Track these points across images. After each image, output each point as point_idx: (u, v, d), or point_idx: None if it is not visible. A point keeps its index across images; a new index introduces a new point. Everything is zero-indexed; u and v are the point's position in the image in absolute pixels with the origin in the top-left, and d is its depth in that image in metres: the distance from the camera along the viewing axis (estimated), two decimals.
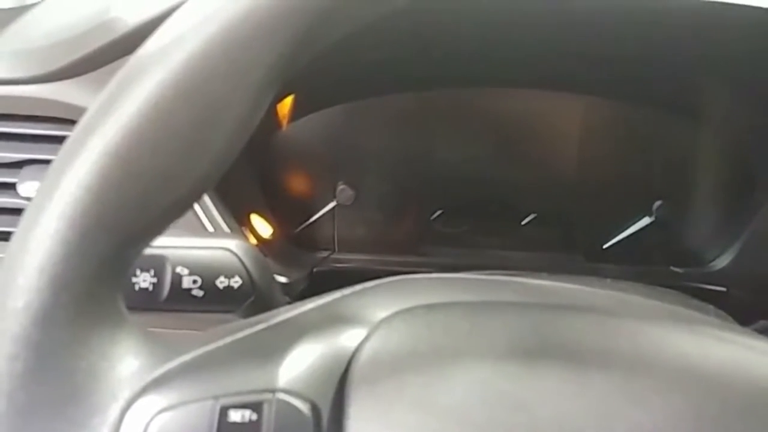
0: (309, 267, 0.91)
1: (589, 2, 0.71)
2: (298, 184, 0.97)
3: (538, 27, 0.77)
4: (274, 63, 0.30)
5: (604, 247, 0.97)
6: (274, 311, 0.37)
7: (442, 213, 0.99)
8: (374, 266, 0.94)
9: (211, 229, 0.72)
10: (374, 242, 0.99)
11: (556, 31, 0.78)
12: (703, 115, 0.92)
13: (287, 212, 0.97)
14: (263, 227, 0.91)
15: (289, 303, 0.39)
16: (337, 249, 0.99)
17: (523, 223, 0.98)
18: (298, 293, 0.83)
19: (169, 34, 0.30)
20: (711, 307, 0.57)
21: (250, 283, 0.49)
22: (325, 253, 0.98)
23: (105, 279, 0.30)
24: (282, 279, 0.80)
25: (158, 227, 0.31)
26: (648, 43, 0.78)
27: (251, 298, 0.50)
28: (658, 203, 0.94)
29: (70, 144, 0.29)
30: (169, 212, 0.31)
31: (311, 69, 0.82)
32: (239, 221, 0.80)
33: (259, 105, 0.31)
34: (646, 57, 0.82)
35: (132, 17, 0.66)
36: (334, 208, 0.97)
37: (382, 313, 0.36)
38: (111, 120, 0.28)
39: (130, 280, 0.47)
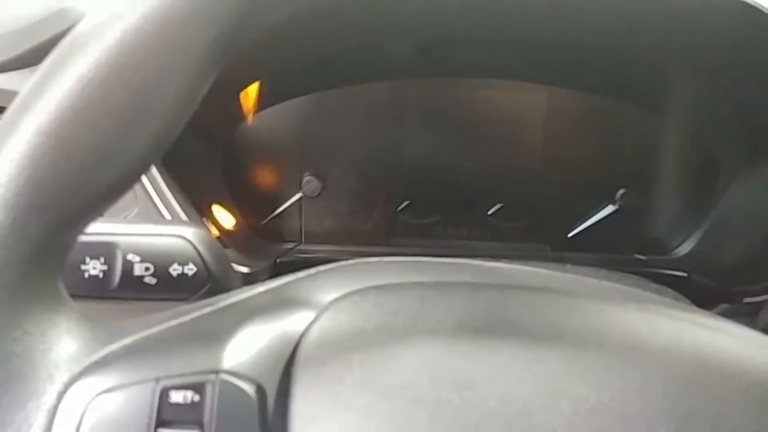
0: (273, 258, 0.91)
1: None
2: (263, 174, 0.96)
3: (504, 17, 0.77)
4: (213, 41, 0.29)
5: (570, 235, 0.98)
6: (224, 295, 0.37)
7: (410, 204, 0.98)
8: (340, 257, 0.93)
9: (169, 218, 0.71)
10: (341, 233, 0.98)
11: (522, 21, 0.78)
12: (666, 103, 0.93)
13: (252, 203, 0.96)
14: (226, 218, 0.91)
15: None
16: (303, 240, 0.98)
17: (489, 213, 0.98)
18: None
19: (105, 11, 0.29)
20: (669, 290, 0.58)
21: (205, 270, 0.49)
22: (291, 245, 0.97)
23: (42, 261, 0.29)
24: (243, 269, 0.79)
25: (96, 209, 0.30)
26: (611, 32, 0.78)
27: (207, 286, 0.49)
28: (621, 191, 0.95)
29: (3, 124, 0.28)
30: (107, 193, 0.30)
31: (278, 58, 0.83)
32: (200, 211, 0.79)
33: (199, 85, 0.30)
34: (610, 47, 0.82)
35: (87, 6, 0.65)
36: (300, 199, 0.96)
37: (333, 296, 0.36)
38: (45, 99, 0.28)
39: (79, 267, 0.46)
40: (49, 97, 0.27)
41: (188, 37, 0.29)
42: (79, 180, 0.28)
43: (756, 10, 0.64)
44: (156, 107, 0.29)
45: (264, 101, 0.92)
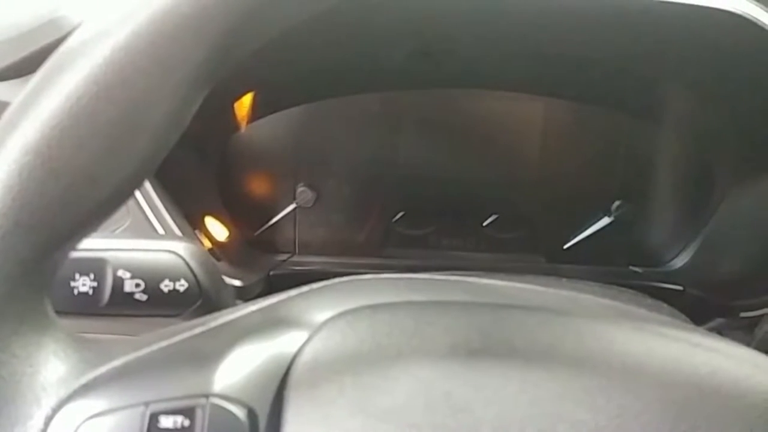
0: (267, 270, 0.90)
1: (551, 4, 0.71)
2: (256, 186, 0.96)
3: (500, 28, 0.77)
4: (203, 59, 0.29)
5: (565, 247, 0.98)
6: (215, 314, 0.36)
7: (404, 215, 0.98)
8: (334, 269, 0.93)
9: (162, 231, 0.71)
10: (336, 245, 0.98)
11: (518, 32, 0.78)
12: (663, 116, 0.93)
13: (246, 214, 0.95)
14: (219, 230, 0.90)
15: None
16: (297, 252, 0.98)
17: (485, 224, 0.98)
18: (253, 297, 0.82)
19: (93, 27, 0.28)
20: (665, 305, 0.57)
21: (197, 286, 0.48)
22: (285, 256, 0.97)
23: (28, 282, 0.29)
24: (236, 282, 0.79)
25: (85, 228, 0.30)
26: (608, 45, 0.78)
27: (198, 302, 0.49)
28: (617, 203, 0.95)
29: None
30: (96, 212, 0.29)
31: (271, 68, 0.82)
32: (192, 223, 0.79)
33: (189, 103, 0.30)
34: (607, 59, 0.82)
35: (79, 15, 0.64)
36: (294, 210, 0.96)
37: (327, 315, 0.35)
38: (32, 117, 0.27)
39: (69, 283, 0.45)
40: (36, 115, 0.27)
41: (178, 55, 0.28)
42: (68, 199, 0.28)
43: (751, 23, 0.64)
44: (145, 125, 0.28)
45: (258, 111, 0.91)
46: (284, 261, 0.95)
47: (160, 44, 0.28)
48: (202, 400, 0.30)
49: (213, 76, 0.30)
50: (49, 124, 0.27)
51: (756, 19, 0.64)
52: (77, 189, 0.28)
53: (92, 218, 0.29)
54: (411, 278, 0.42)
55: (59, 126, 0.27)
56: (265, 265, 0.92)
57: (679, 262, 0.96)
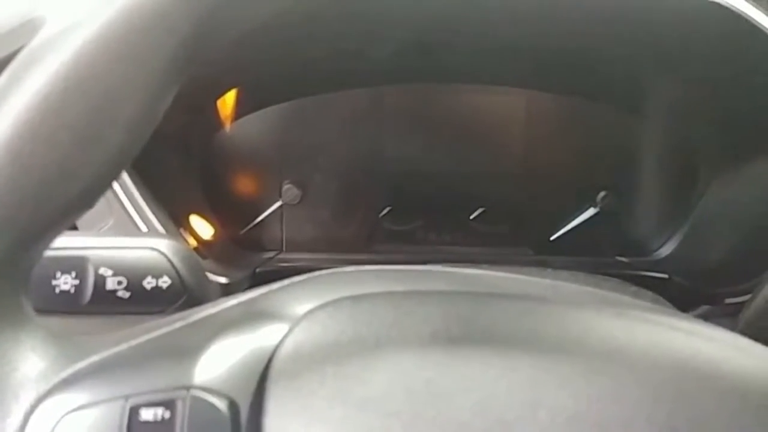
0: (253, 267, 0.90)
1: None
2: (242, 183, 0.96)
3: (483, 22, 0.77)
4: (175, 51, 0.28)
5: (552, 239, 0.98)
6: (195, 309, 0.36)
7: (391, 210, 0.98)
8: (321, 265, 0.93)
9: (145, 229, 0.70)
10: (323, 241, 0.98)
11: (501, 26, 0.78)
12: (645, 106, 0.93)
13: (231, 213, 0.95)
14: (204, 228, 0.90)
15: None
16: (284, 249, 0.98)
17: (471, 217, 0.98)
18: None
19: (62, 22, 0.28)
20: (648, 292, 0.58)
21: (180, 283, 0.48)
22: (272, 254, 0.96)
23: (4, 278, 0.28)
24: (222, 280, 0.78)
25: (60, 223, 0.29)
26: (594, 36, 0.79)
27: (183, 299, 0.48)
28: (602, 194, 0.95)
29: None
30: (71, 208, 0.29)
31: (255, 65, 0.82)
32: (177, 222, 0.78)
33: (161, 95, 0.30)
34: (589, 51, 0.83)
35: (50, 15, 0.64)
36: (281, 207, 0.96)
37: (307, 307, 0.35)
38: (2, 112, 0.27)
39: (50, 282, 0.45)
40: (5, 111, 0.27)
41: (149, 47, 0.28)
42: (40, 195, 0.27)
43: (735, 15, 0.64)
44: (118, 118, 0.28)
45: (242, 109, 0.91)
46: (271, 258, 0.95)
47: (131, 36, 0.27)
48: (183, 393, 0.30)
49: (185, 68, 0.30)
50: (19, 120, 0.26)
51: (741, 11, 0.64)
52: (50, 184, 0.27)
53: (67, 213, 0.29)
54: (392, 269, 0.42)
55: (30, 121, 0.27)
56: (251, 262, 0.92)
57: (665, 251, 0.97)
